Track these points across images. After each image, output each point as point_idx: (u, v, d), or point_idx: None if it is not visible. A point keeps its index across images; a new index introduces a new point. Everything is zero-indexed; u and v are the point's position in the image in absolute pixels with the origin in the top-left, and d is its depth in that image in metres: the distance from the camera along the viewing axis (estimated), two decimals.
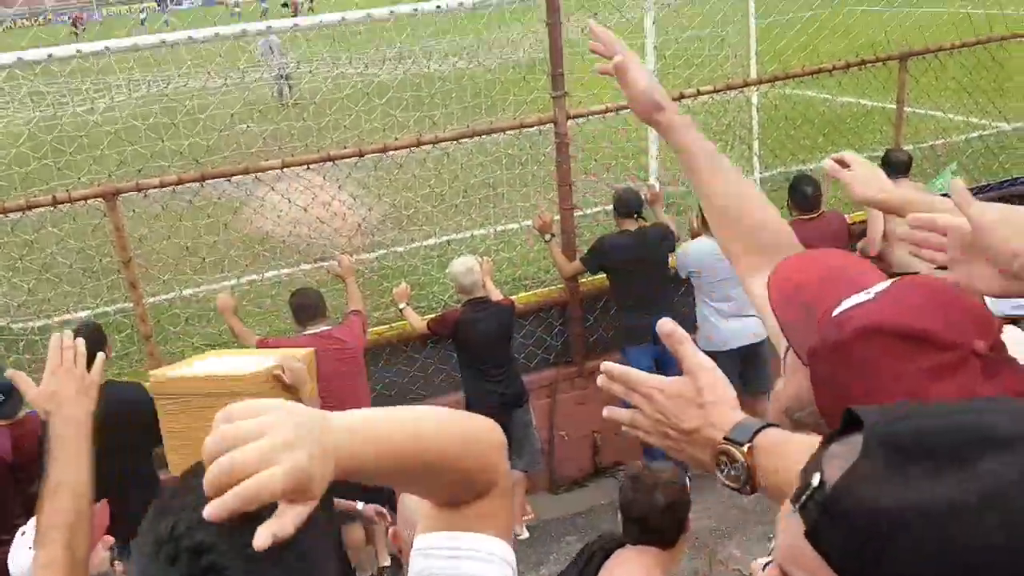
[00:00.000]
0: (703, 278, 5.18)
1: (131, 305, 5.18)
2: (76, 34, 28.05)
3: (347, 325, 4.95)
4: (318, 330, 4.82)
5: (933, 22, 10.73)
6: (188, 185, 4.99)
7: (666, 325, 1.12)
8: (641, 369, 4.44)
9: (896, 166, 5.71)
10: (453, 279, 5.11)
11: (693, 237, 5.39)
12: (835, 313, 1.06)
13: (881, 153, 6.13)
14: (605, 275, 5.43)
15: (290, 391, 3.20)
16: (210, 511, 0.73)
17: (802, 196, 5.40)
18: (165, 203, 5.47)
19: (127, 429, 4.18)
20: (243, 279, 6.36)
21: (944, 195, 5.45)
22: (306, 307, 4.87)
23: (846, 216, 5.87)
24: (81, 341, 1.83)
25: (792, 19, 10.03)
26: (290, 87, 13.68)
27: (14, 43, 6.61)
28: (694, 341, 1.15)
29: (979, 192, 6.89)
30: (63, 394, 1.67)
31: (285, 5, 37.89)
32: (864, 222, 5.94)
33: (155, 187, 4.87)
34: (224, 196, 5.83)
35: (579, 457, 5.97)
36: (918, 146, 9.29)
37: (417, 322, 5.18)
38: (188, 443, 3.19)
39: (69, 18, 39.20)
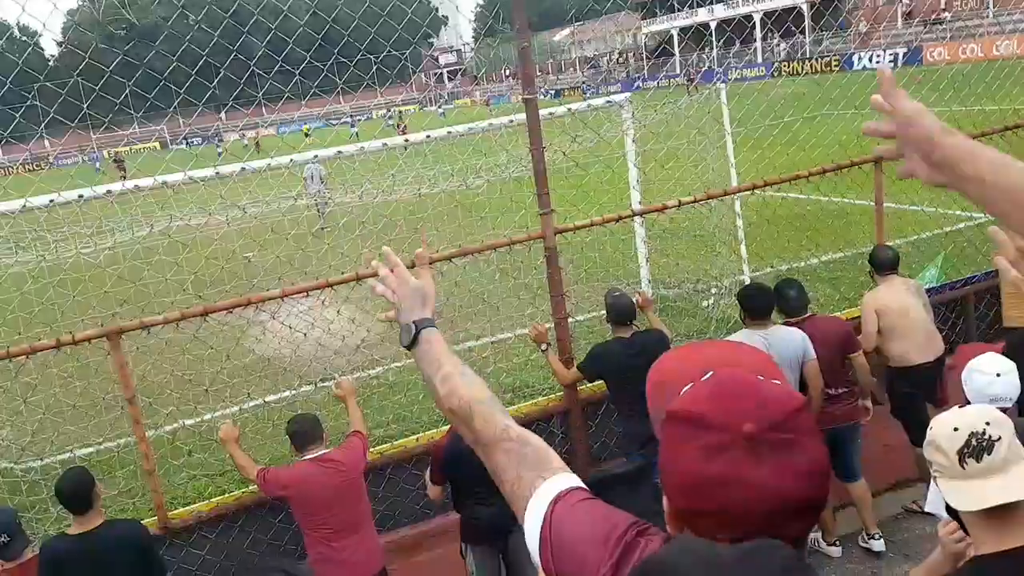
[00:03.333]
0: None
1: (134, 440, 5.20)
2: (124, 175, 29.05)
3: (347, 447, 4.93)
4: (316, 454, 4.81)
5: None
6: (191, 320, 5.09)
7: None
8: (642, 470, 4.38)
9: (884, 263, 5.81)
10: None
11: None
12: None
13: (867, 249, 6.27)
14: (603, 382, 5.47)
15: None
16: None
17: (785, 300, 5.40)
18: (168, 338, 5.57)
19: (123, 564, 4.18)
20: (246, 405, 6.40)
21: (930, 288, 5.53)
22: (301, 433, 4.87)
23: (839, 315, 5.95)
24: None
25: (766, 129, 10.48)
26: (324, 214, 14.42)
27: (19, 191, 6.87)
28: None
29: (967, 283, 7.04)
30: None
31: (307, 135, 41.89)
32: (856, 318, 6.05)
33: (159, 324, 4.97)
34: (226, 326, 5.94)
35: None
36: (901, 241, 9.54)
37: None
38: None
39: (112, 159, 40.13)
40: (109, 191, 6.39)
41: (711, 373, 1.26)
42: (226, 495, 5.39)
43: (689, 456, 1.12)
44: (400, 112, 37.14)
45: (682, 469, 1.13)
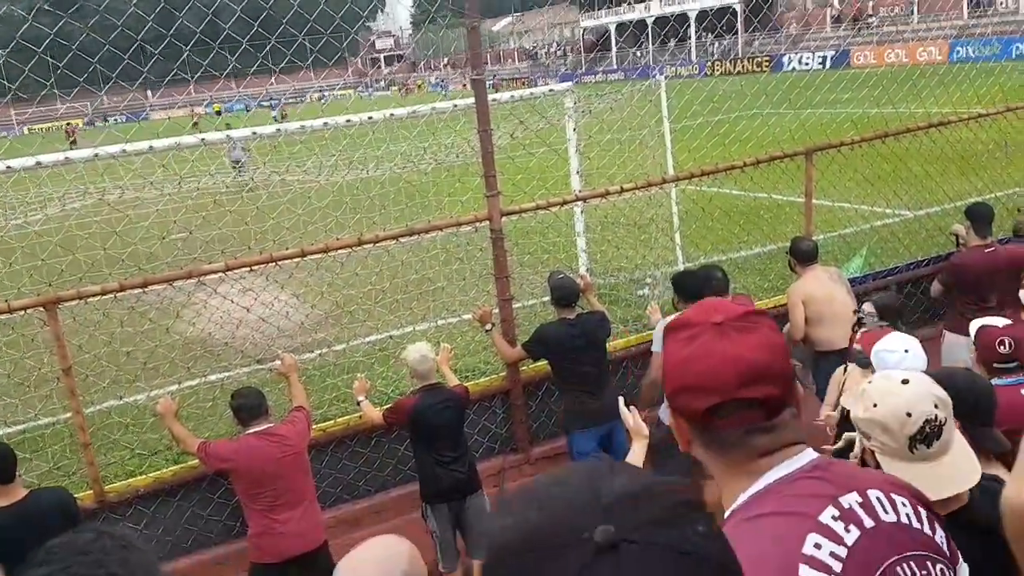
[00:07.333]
0: None
1: (69, 415, 5.09)
2: (74, 143, 28.36)
3: (290, 422, 4.93)
4: (261, 428, 4.80)
5: (832, 121, 11.62)
6: (129, 292, 5.00)
7: None
8: (586, 452, 4.65)
9: (805, 254, 6.05)
10: (408, 366, 5.18)
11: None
12: None
13: None
14: (547, 362, 5.59)
15: None
16: None
17: (715, 281, 5.57)
18: (106, 310, 5.46)
19: (54, 531, 4.09)
20: (184, 384, 6.30)
21: (853, 278, 5.79)
22: (247, 407, 4.83)
23: (766, 302, 6.22)
24: None
25: (703, 123, 10.74)
26: (241, 170, 14.81)
27: None
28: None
29: (890, 273, 7.37)
30: None
31: (219, 113, 41.76)
32: (783, 306, 6.29)
33: (96, 295, 4.87)
34: (165, 301, 5.85)
35: None
36: (829, 235, 9.92)
37: (375, 415, 5.21)
38: None
39: (66, 132, 37.99)
40: (39, 162, 6.22)
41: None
42: (164, 470, 5.33)
43: (676, 346, 1.40)
44: (281, 101, 36.99)
45: (671, 358, 1.41)
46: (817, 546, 1.28)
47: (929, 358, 3.77)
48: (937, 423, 2.06)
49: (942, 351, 6.04)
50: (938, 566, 1.38)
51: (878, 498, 1.37)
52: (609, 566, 0.72)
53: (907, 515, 1.38)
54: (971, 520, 2.09)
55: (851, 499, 1.35)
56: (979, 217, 6.14)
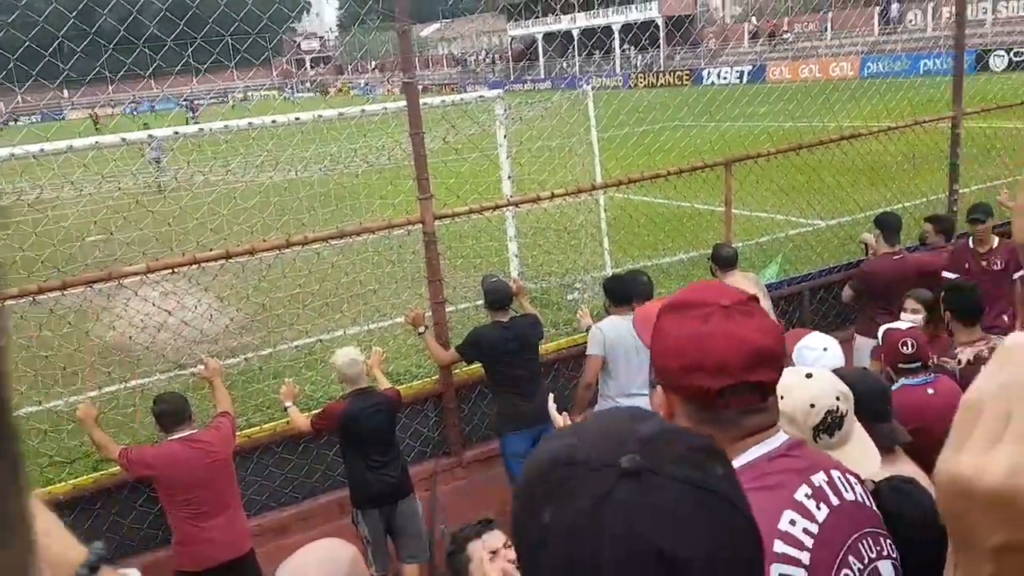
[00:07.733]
0: (616, 354, 5.32)
1: None
2: None
3: (215, 427, 4.85)
4: (184, 434, 4.72)
5: (750, 134, 12.00)
6: (48, 294, 4.84)
7: None
8: (519, 453, 4.70)
9: (725, 260, 6.26)
10: (337, 370, 5.15)
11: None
12: None
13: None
14: (480, 364, 5.63)
15: None
16: None
17: (641, 285, 5.70)
18: (23, 314, 5.26)
19: None
20: (104, 389, 6.11)
21: (769, 284, 6.04)
22: (170, 413, 4.75)
23: None
24: None
25: (628, 133, 10.96)
26: (163, 170, 14.70)
27: None
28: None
29: (803, 280, 7.67)
30: None
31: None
32: None
33: (14, 297, 4.71)
34: (84, 304, 5.67)
35: None
36: (747, 243, 10.25)
37: (302, 421, 5.16)
38: None
39: None
40: None
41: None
42: (83, 477, 5.17)
43: (688, 324, 1.45)
44: (200, 102, 36.70)
45: (684, 335, 1.45)
46: (792, 522, 1.38)
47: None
48: (839, 414, 2.20)
49: (853, 353, 6.33)
50: (887, 541, 1.51)
51: (838, 477, 1.49)
52: (631, 490, 0.81)
53: (860, 494, 1.51)
54: (882, 509, 2.23)
55: (819, 478, 1.46)
56: (888, 226, 6.46)
